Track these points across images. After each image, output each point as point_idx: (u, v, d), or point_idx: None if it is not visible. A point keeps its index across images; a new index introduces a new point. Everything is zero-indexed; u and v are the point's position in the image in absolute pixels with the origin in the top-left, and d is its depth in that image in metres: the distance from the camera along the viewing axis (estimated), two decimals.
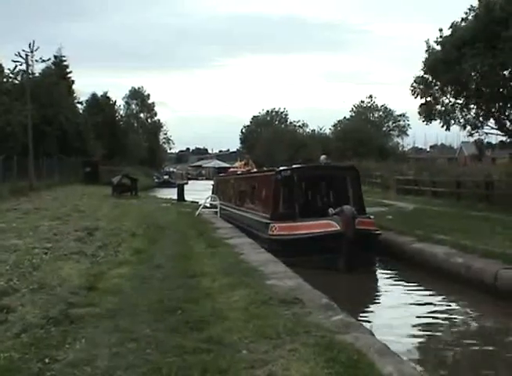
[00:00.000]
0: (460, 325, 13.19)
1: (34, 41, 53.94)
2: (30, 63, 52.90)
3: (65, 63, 72.70)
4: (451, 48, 30.57)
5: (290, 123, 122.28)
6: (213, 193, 36.82)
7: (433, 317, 13.50)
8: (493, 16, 28.68)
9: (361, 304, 15.01)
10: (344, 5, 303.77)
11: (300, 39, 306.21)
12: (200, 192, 47.36)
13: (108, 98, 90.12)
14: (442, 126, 34.19)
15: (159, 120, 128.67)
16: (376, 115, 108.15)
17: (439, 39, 32.33)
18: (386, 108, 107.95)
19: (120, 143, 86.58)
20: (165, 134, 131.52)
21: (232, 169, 38.65)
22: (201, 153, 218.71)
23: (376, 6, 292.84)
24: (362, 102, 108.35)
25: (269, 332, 8.04)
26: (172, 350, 7.34)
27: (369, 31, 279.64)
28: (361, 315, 12.85)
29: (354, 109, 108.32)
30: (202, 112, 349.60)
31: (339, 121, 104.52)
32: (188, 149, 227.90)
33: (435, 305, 14.71)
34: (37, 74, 61.04)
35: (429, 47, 32.88)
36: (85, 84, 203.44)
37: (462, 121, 33.40)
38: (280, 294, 10.41)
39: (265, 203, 23.06)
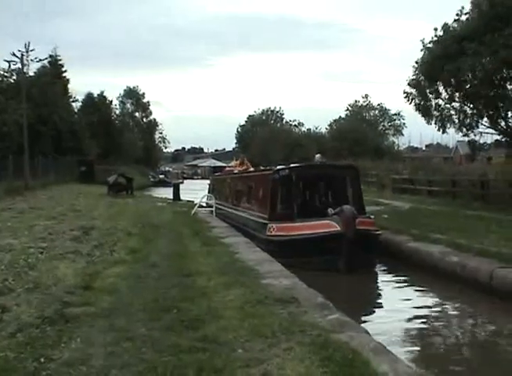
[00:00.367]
0: (455, 324, 13.20)
1: (29, 42, 54.02)
2: (25, 62, 52.89)
3: (60, 63, 72.61)
4: (451, 42, 30.51)
5: (286, 122, 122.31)
6: (209, 192, 36.81)
7: (428, 316, 13.52)
8: (496, 12, 28.63)
9: (358, 304, 15.00)
10: (337, 4, 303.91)
11: (294, 38, 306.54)
12: (195, 191, 47.33)
13: (104, 97, 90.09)
14: (438, 129, 34.29)
15: (154, 119, 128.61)
16: (371, 114, 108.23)
17: (434, 39, 32.34)
18: (382, 107, 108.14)
19: (115, 142, 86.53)
20: (161, 133, 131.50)
21: (228, 168, 38.59)
22: (197, 152, 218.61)
23: (370, 5, 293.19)
24: (357, 101, 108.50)
25: (265, 331, 8.05)
26: (168, 349, 7.35)
27: (363, 30, 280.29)
28: (357, 314, 12.85)
29: (349, 108, 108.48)
30: (197, 111, 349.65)
31: (335, 121, 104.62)
32: (183, 148, 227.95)
33: (431, 304, 14.74)
34: (31, 74, 61.07)
35: (424, 45, 32.84)
36: (80, 84, 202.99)
37: (457, 123, 33.42)
38: (276, 293, 10.43)
39: (262, 203, 22.53)
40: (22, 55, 51.41)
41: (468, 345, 11.70)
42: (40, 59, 57.46)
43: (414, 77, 33.85)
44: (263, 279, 12.12)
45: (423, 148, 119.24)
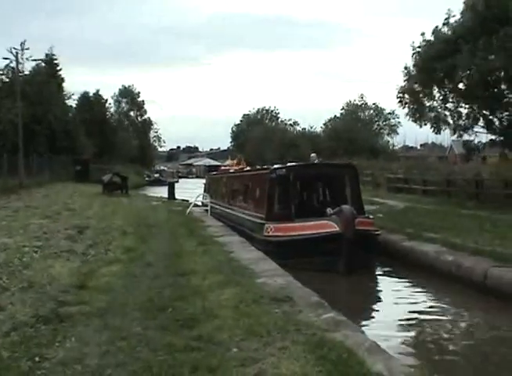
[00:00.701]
0: (450, 324, 13.17)
1: (25, 41, 54.03)
2: (20, 61, 52.85)
3: (55, 62, 72.45)
4: (444, 44, 30.52)
5: (281, 121, 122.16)
6: (205, 191, 36.60)
7: (424, 316, 13.52)
8: (492, 13, 28.64)
9: (352, 303, 14.99)
10: (333, 3, 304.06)
11: (290, 37, 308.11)
12: (190, 190, 47.32)
13: (99, 96, 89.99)
14: (433, 131, 34.30)
15: (149, 118, 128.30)
16: (366, 114, 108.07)
17: (422, 43, 32.33)
18: (377, 107, 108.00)
19: (110, 141, 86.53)
20: (156, 132, 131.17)
21: (223, 167, 38.52)
22: (192, 151, 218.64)
23: (365, 4, 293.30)
24: (352, 101, 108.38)
25: (260, 330, 8.05)
26: (162, 348, 7.35)
27: (358, 30, 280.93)
28: (351, 313, 12.86)
29: (345, 107, 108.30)
30: (192, 110, 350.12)
31: (330, 120, 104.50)
32: (178, 147, 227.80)
33: (426, 303, 14.75)
34: (27, 72, 60.96)
35: (414, 49, 32.81)
36: (75, 83, 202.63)
37: (452, 124, 33.43)
38: (271, 293, 10.43)
39: (259, 202, 22.15)
40: (17, 53, 51.43)
41: (462, 344, 11.70)
42: (35, 59, 57.57)
43: (405, 83, 33.80)
44: (258, 278, 12.13)
45: (418, 147, 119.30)
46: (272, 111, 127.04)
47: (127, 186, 45.59)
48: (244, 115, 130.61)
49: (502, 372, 10.15)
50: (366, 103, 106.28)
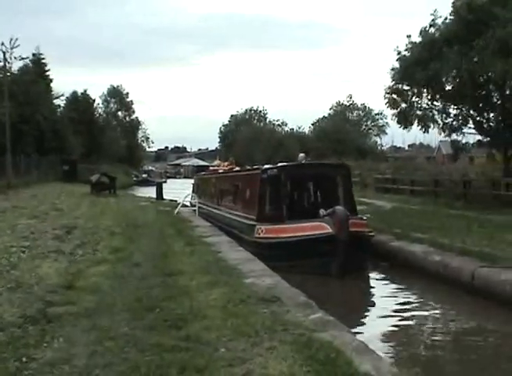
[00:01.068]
0: (437, 324, 13.25)
1: (16, 39, 53.86)
2: (8, 60, 52.66)
3: (43, 61, 72.26)
4: (426, 48, 30.62)
5: (269, 122, 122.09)
6: (193, 192, 36.39)
7: (411, 317, 13.58)
8: (476, 16, 28.77)
9: (341, 304, 15.02)
10: (321, 4, 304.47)
11: (278, 38, 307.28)
12: (178, 190, 47.27)
13: (87, 96, 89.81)
14: (421, 129, 34.31)
15: (137, 118, 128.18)
16: (355, 114, 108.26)
17: (409, 46, 32.39)
18: (365, 107, 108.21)
19: (98, 142, 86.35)
20: (144, 132, 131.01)
21: (212, 168, 38.44)
22: (180, 151, 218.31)
23: (354, 5, 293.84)
24: (340, 102, 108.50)
25: (247, 330, 8.06)
26: (150, 348, 7.35)
27: (347, 30, 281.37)
28: (339, 315, 12.89)
29: (333, 108, 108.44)
30: (181, 110, 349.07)
31: (318, 120, 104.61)
32: (167, 147, 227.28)
33: (414, 304, 14.80)
34: (14, 72, 60.70)
35: (399, 53, 32.85)
36: (64, 83, 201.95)
37: (440, 123, 33.47)
38: (258, 293, 10.44)
39: (250, 203, 21.67)
40: (4, 52, 51.24)
41: (449, 344, 11.75)
42: (22, 58, 57.33)
43: (392, 84, 33.81)
44: (246, 278, 12.14)
45: (406, 148, 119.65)
46: (260, 111, 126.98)
47: (115, 187, 45.56)
48: (232, 115, 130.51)
49: (489, 371, 10.20)
50: (355, 104, 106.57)
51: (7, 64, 53.75)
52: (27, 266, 12.63)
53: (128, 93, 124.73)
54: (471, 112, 32.24)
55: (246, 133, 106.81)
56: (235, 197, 24.72)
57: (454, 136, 34.29)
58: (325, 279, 16.67)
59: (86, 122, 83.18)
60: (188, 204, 34.01)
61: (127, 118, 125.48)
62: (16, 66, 61.12)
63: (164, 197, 43.16)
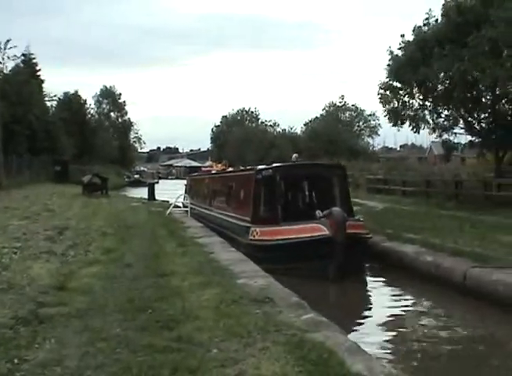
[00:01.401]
0: (429, 324, 13.26)
1: (7, 40, 53.76)
2: (1, 60, 52.57)
3: (34, 61, 72.07)
4: (417, 48, 30.71)
5: (261, 122, 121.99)
6: (186, 192, 36.25)
7: (403, 317, 13.63)
8: (465, 18, 28.89)
9: (334, 304, 15.05)
10: (313, 4, 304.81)
11: (270, 38, 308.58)
12: (170, 191, 47.23)
13: (78, 96, 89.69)
14: (412, 129, 34.37)
15: (129, 119, 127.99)
16: (347, 115, 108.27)
17: (402, 45, 32.48)
18: (357, 108, 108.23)
19: (89, 142, 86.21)
20: (136, 133, 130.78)
21: (205, 168, 38.38)
22: (172, 152, 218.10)
23: (346, 6, 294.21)
24: (333, 102, 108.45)
25: (240, 331, 8.05)
26: (142, 349, 7.33)
27: (339, 31, 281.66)
28: (331, 315, 12.89)
29: (325, 108, 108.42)
30: (173, 111, 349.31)
31: (310, 121, 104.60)
32: (159, 148, 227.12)
33: (406, 304, 14.84)
34: (6, 72, 60.63)
35: (392, 53, 32.95)
36: (56, 83, 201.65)
37: (431, 124, 33.55)
38: (251, 293, 10.44)
39: (244, 205, 21.21)
40: None
41: (441, 344, 11.75)
42: (15, 56, 57.25)
43: (386, 80, 33.89)
44: (238, 279, 12.13)
45: (398, 148, 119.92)
46: (252, 112, 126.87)
47: (107, 187, 45.51)
48: (223, 116, 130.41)
49: (481, 371, 10.22)
50: (347, 104, 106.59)
51: (0, 65, 53.66)
52: (19, 267, 12.59)
53: (120, 94, 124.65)
54: (462, 112, 32.33)
55: (238, 134, 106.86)
56: (229, 198, 24.34)
57: (445, 136, 34.42)
58: (321, 281, 16.35)
59: (78, 123, 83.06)
60: (180, 204, 33.99)
61: (119, 119, 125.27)
62: (8, 66, 61.10)
63: (156, 197, 43.13)
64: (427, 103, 33.31)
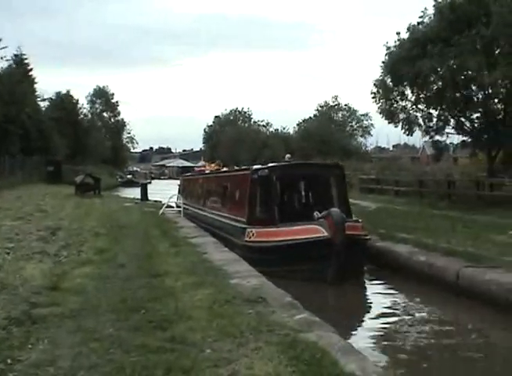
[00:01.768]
0: (423, 325, 13.28)
1: (1, 39, 53.65)
2: None
3: (26, 62, 71.91)
4: (412, 46, 30.77)
5: (254, 122, 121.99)
6: (179, 193, 36.12)
7: (396, 317, 13.65)
8: (457, 15, 28.97)
9: (326, 305, 15.05)
10: (307, 5, 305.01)
11: (263, 39, 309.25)
12: (163, 191, 47.17)
13: (71, 96, 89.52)
14: (404, 132, 34.48)
15: (122, 119, 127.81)
16: (340, 115, 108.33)
17: (397, 42, 32.57)
18: (349, 108, 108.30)
19: (82, 142, 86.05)
20: (129, 133, 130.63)
21: (198, 168, 38.29)
22: (164, 152, 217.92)
23: (339, 6, 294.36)
24: (326, 102, 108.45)
25: (233, 331, 8.05)
26: (136, 349, 7.33)
27: (332, 31, 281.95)
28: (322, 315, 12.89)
29: (318, 108, 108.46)
30: (165, 111, 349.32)
31: (303, 121, 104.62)
32: (151, 148, 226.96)
33: (399, 304, 14.88)
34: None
35: (388, 48, 33.03)
36: (49, 83, 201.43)
37: (423, 126, 33.62)
38: (244, 293, 10.43)
39: (240, 205, 20.80)
40: None
41: (435, 344, 11.78)
42: (7, 59, 57.11)
43: (380, 77, 33.95)
44: (231, 279, 12.12)
45: (391, 148, 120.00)
46: (245, 112, 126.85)
47: (99, 188, 45.40)
48: (216, 117, 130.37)
49: (474, 372, 10.26)
50: (340, 105, 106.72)
51: None
52: (12, 268, 12.56)
53: (113, 94, 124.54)
54: (454, 112, 32.40)
55: (231, 134, 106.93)
56: (224, 198, 23.96)
57: (437, 137, 34.52)
58: (319, 284, 16.09)
59: (71, 123, 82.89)
60: (173, 205, 33.95)
61: (112, 119, 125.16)
62: (1, 65, 60.94)
63: (149, 197, 43.08)
64: (420, 106, 33.40)
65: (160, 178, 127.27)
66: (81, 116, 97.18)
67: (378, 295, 16.02)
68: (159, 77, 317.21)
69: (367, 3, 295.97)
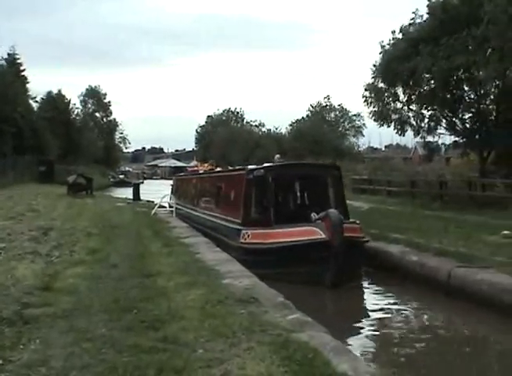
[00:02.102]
0: (414, 324, 13.32)
1: None
2: None
3: (19, 61, 71.82)
4: (407, 44, 30.82)
5: (247, 123, 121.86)
6: (172, 193, 36.01)
7: (388, 317, 13.69)
8: (450, 16, 29.04)
9: (318, 304, 15.05)
10: (300, 5, 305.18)
11: (257, 39, 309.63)
12: (155, 191, 47.14)
13: (62, 96, 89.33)
14: (397, 132, 34.50)
15: (114, 119, 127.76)
16: (332, 115, 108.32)
17: (391, 41, 32.64)
18: (342, 108, 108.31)
19: (74, 142, 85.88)
20: (121, 133, 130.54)
21: (191, 168, 38.23)
22: (157, 152, 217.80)
23: (333, 7, 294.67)
24: (319, 103, 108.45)
25: (225, 331, 8.05)
26: (128, 349, 7.32)
27: (326, 31, 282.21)
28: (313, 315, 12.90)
29: (311, 109, 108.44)
30: (158, 111, 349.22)
31: (296, 121, 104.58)
32: (143, 148, 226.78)
33: (390, 304, 14.90)
34: None
35: (383, 47, 33.09)
36: (41, 83, 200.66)
37: (415, 126, 33.63)
38: (236, 293, 10.44)
39: (234, 206, 20.39)
40: None
41: (427, 344, 11.81)
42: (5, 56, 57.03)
43: (372, 80, 34.00)
44: (223, 279, 12.12)
45: (383, 148, 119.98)
46: (237, 113, 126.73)
47: (92, 188, 45.36)
48: (208, 116, 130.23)
49: (468, 371, 10.29)
50: (332, 105, 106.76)
51: None
52: (3, 268, 12.53)
53: (105, 94, 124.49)
54: (445, 113, 32.45)
55: (224, 134, 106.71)
56: (218, 199, 23.56)
57: (430, 138, 34.58)
58: (315, 286, 15.77)
59: (63, 123, 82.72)
60: (165, 205, 33.93)
61: (104, 119, 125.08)
62: None
63: (141, 197, 43.05)
64: (412, 107, 33.46)
65: (152, 178, 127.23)
66: (74, 116, 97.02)
67: (370, 296, 16.06)
68: (152, 77, 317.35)
69: (361, 4, 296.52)
